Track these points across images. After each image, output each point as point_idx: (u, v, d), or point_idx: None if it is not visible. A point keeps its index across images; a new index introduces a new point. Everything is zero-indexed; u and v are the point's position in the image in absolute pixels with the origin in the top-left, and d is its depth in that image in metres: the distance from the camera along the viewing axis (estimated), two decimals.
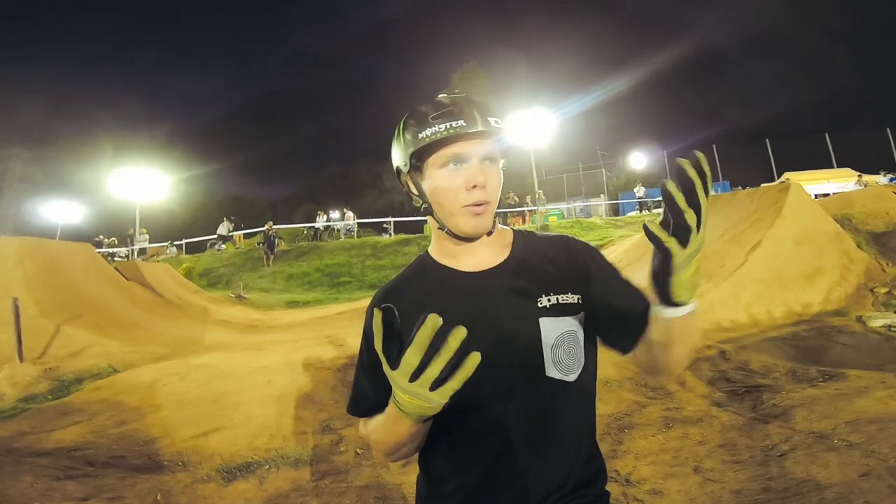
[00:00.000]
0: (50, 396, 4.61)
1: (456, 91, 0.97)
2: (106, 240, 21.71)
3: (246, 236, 23.55)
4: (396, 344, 0.69)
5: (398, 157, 0.97)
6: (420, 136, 0.90)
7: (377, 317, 0.68)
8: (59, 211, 21.74)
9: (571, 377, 0.91)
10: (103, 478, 2.85)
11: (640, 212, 21.60)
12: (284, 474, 3.00)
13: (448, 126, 0.88)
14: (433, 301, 0.92)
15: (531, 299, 0.92)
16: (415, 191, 0.97)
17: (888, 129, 22.26)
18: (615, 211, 25.54)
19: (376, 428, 0.90)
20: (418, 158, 0.93)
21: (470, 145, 0.90)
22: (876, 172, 18.81)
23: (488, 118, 0.90)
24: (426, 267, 1.02)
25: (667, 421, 3.23)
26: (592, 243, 1.06)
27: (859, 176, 18.83)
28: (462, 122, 0.88)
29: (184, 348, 6.56)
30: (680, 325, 0.81)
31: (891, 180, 15.62)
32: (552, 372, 0.89)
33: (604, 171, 30.13)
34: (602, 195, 27.90)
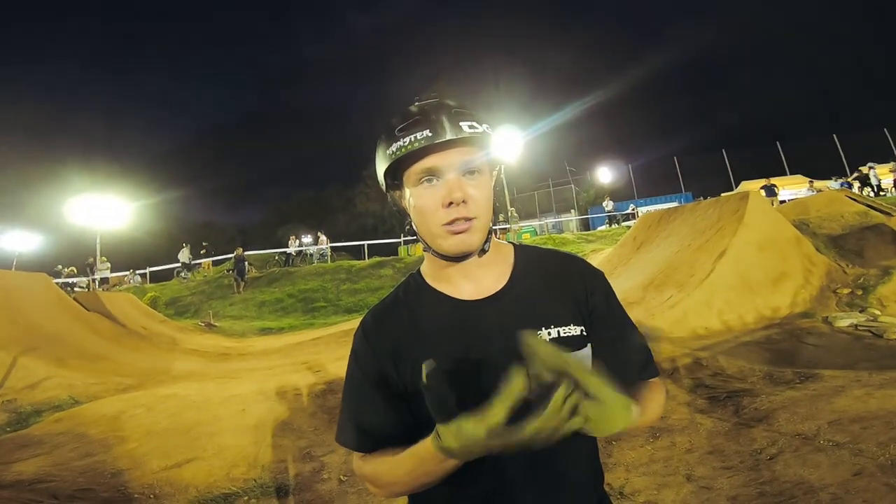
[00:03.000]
0: (8, 429, 4.49)
1: (432, 95, 0.86)
2: (65, 269, 20.77)
3: (215, 263, 22.88)
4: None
5: (378, 174, 0.88)
6: (388, 152, 0.82)
7: (425, 374, 0.67)
8: (15, 240, 20.60)
9: None
10: None
11: (610, 225, 22.11)
12: None
13: (413, 139, 0.78)
14: (425, 332, 0.85)
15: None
16: (403, 207, 0.90)
17: (834, 136, 23.70)
18: (586, 226, 26.12)
19: (397, 467, 0.77)
20: (393, 176, 0.86)
21: (444, 157, 0.80)
22: (827, 178, 19.86)
23: (461, 124, 0.80)
24: (418, 290, 0.92)
25: (653, 430, 3.22)
26: None
27: (811, 182, 19.81)
28: (428, 132, 0.78)
29: (151, 379, 6.28)
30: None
31: (841, 185, 16.43)
32: None
33: (573, 186, 30.85)
34: (573, 210, 28.52)
